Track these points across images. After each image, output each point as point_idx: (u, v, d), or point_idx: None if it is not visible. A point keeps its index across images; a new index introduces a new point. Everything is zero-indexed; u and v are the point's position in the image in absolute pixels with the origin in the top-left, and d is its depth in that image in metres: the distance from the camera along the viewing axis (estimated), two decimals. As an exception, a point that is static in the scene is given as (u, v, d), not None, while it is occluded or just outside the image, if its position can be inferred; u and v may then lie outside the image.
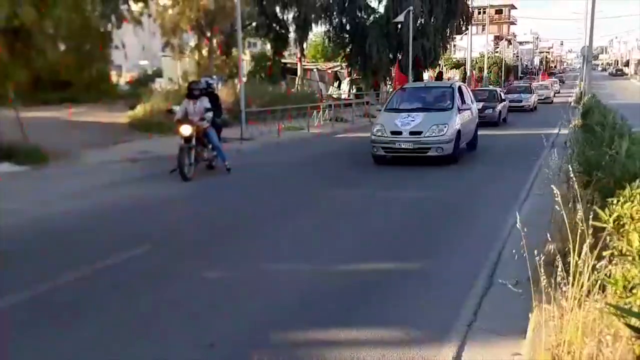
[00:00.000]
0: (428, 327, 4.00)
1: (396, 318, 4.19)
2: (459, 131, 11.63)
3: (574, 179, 4.11)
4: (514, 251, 3.59)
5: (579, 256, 3.12)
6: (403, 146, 11.35)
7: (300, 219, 7.46)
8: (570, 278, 3.13)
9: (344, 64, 37.27)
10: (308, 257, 5.68)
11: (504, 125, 21.54)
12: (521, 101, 28.74)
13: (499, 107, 21.55)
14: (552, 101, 37.30)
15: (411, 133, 11.31)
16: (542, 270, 3.16)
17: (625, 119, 8.78)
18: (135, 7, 17.57)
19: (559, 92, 49.41)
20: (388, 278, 5.00)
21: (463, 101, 12.65)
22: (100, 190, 9.33)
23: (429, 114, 11.77)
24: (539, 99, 33.14)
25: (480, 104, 18.76)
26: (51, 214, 7.69)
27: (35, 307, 4.50)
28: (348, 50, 34.88)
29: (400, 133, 11.38)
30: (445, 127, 11.25)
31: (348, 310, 4.33)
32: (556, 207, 3.65)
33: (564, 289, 3.15)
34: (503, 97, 23.12)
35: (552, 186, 3.69)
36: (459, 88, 13.05)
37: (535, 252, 3.24)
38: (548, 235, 3.87)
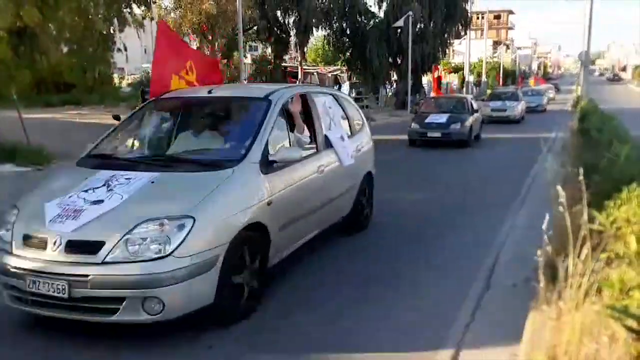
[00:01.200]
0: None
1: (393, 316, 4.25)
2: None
3: (572, 181, 4.19)
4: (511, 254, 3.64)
5: (577, 258, 3.18)
6: None
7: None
8: (568, 280, 3.20)
9: (344, 68, 37.39)
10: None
11: (476, 145, 16.41)
12: (505, 110, 23.99)
13: (470, 120, 16.11)
14: (545, 109, 32.57)
15: None
16: (540, 273, 3.23)
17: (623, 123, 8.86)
18: (138, 11, 17.66)
19: (553, 99, 44.55)
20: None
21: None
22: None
23: None
24: (528, 107, 28.67)
25: (444, 117, 15.94)
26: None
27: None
28: (348, 54, 35.01)
29: None
30: None
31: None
32: (553, 209, 3.72)
33: (561, 291, 3.21)
34: (475, 108, 17.63)
35: (550, 188, 3.75)
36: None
37: (533, 254, 3.30)
38: (545, 237, 3.95)
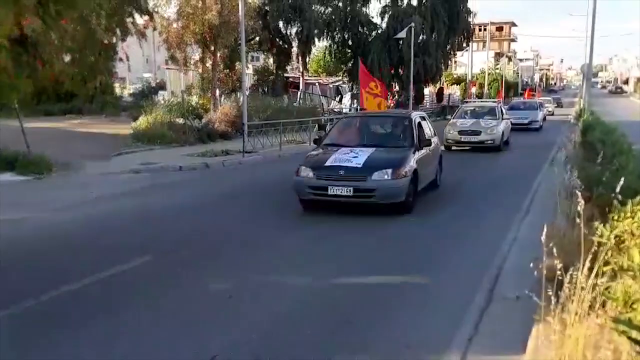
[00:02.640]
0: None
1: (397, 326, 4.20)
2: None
3: (575, 194, 4.14)
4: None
5: (581, 272, 3.14)
6: None
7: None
8: (572, 293, 3.15)
9: (345, 79, 37.48)
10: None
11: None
12: (479, 133, 17.29)
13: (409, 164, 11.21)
14: (541, 126, 26.94)
15: None
16: (543, 285, 3.18)
17: (626, 136, 8.82)
18: (141, 21, 17.72)
19: (552, 114, 39.52)
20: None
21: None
22: (103, 201, 9.37)
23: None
24: (518, 124, 23.82)
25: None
26: (54, 224, 7.72)
27: (37, 316, 4.51)
28: (350, 65, 35.12)
29: None
30: None
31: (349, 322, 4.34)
32: (557, 222, 3.68)
33: (565, 303, 3.16)
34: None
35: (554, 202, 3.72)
36: None
37: (535, 266, 3.26)
38: (550, 250, 3.90)
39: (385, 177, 7.89)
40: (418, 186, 8.72)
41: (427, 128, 10.24)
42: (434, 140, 10.28)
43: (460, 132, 17.67)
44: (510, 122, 21.95)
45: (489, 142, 17.25)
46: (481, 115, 19.12)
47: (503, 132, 17.81)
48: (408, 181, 8.16)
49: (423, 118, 10.46)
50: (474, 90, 48.49)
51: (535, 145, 19.40)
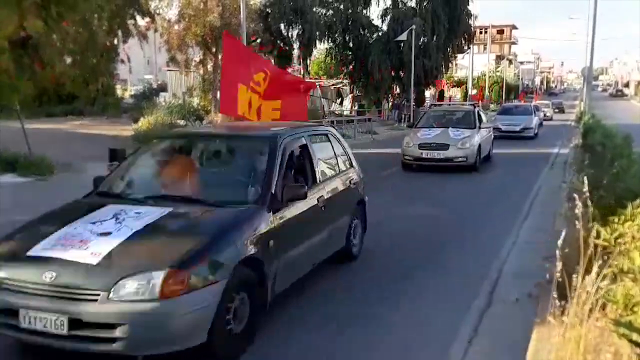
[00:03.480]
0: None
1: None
2: None
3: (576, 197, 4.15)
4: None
5: (581, 274, 3.14)
6: None
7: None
8: (572, 296, 3.15)
9: (346, 81, 37.53)
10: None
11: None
12: (445, 147, 13.18)
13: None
14: (536, 134, 23.65)
15: None
16: (543, 288, 3.19)
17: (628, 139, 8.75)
18: (142, 22, 17.78)
19: (550, 119, 36.72)
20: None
21: None
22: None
23: None
24: (508, 132, 21.57)
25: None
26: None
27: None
28: (351, 67, 35.18)
29: None
30: None
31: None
32: (557, 225, 3.68)
33: (565, 306, 3.17)
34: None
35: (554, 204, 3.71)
36: None
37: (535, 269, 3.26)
38: (551, 252, 3.91)
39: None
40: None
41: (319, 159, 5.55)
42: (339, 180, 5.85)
43: (422, 146, 13.21)
44: (500, 129, 19.65)
45: (460, 159, 12.99)
46: (452, 123, 14.51)
47: (480, 146, 13.49)
48: None
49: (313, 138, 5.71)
50: (474, 92, 48.40)
51: (527, 160, 15.79)
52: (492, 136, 15.60)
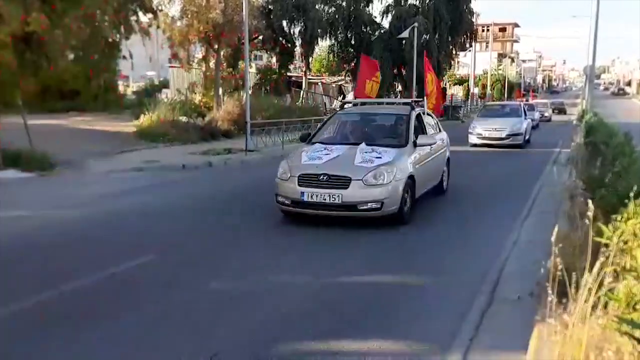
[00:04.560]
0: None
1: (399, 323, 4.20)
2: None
3: (578, 195, 4.16)
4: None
5: (583, 272, 3.15)
6: None
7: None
8: (574, 294, 3.16)
9: (348, 78, 37.52)
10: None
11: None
12: (347, 182, 7.21)
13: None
14: (528, 140, 19.55)
15: None
16: (545, 286, 3.20)
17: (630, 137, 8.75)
18: (145, 19, 17.75)
19: (549, 120, 34.58)
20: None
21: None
22: (107, 199, 9.39)
23: None
24: (494, 140, 17.91)
25: None
26: (57, 221, 7.74)
27: (41, 314, 4.53)
28: (352, 64, 35.17)
29: None
30: None
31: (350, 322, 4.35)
32: (559, 223, 3.69)
33: (567, 304, 3.18)
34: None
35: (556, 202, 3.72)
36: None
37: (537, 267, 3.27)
38: (551, 250, 3.92)
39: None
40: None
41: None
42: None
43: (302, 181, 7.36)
44: (481, 135, 17.65)
45: (368, 205, 6.92)
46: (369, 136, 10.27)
47: (413, 180, 7.81)
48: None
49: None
50: (476, 90, 48.36)
51: (503, 189, 10.74)
52: (447, 155, 10.20)
